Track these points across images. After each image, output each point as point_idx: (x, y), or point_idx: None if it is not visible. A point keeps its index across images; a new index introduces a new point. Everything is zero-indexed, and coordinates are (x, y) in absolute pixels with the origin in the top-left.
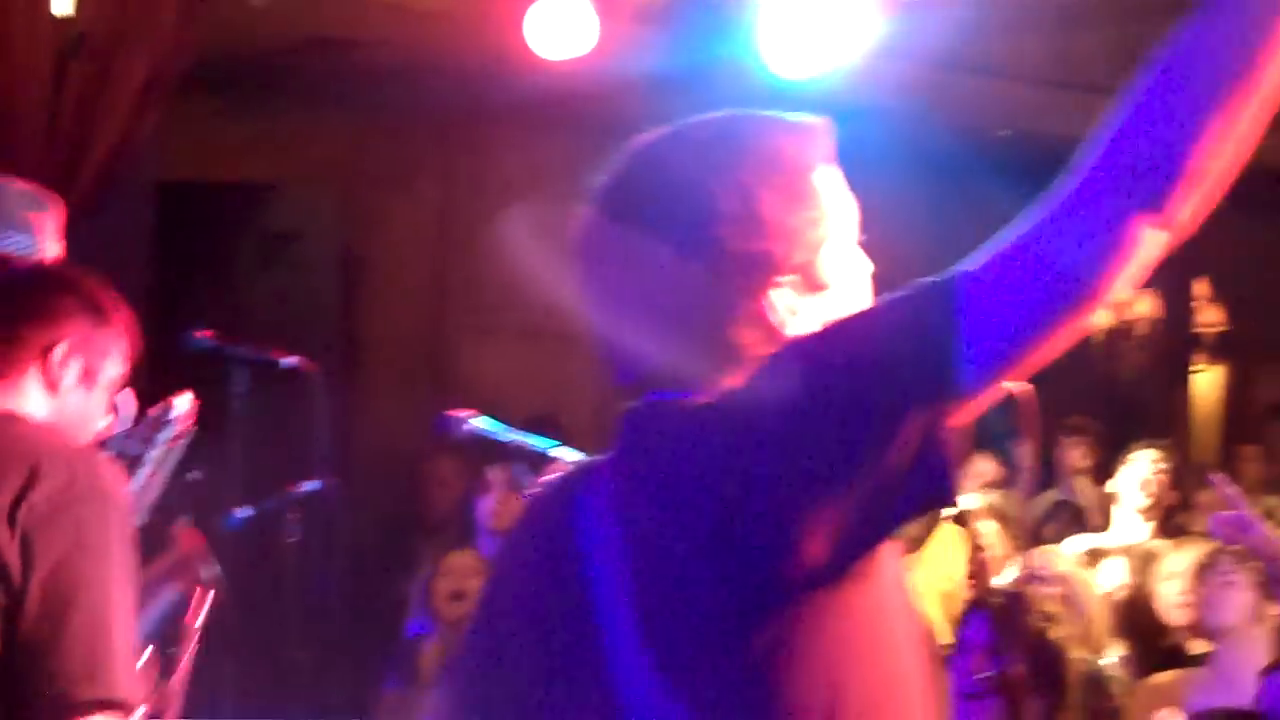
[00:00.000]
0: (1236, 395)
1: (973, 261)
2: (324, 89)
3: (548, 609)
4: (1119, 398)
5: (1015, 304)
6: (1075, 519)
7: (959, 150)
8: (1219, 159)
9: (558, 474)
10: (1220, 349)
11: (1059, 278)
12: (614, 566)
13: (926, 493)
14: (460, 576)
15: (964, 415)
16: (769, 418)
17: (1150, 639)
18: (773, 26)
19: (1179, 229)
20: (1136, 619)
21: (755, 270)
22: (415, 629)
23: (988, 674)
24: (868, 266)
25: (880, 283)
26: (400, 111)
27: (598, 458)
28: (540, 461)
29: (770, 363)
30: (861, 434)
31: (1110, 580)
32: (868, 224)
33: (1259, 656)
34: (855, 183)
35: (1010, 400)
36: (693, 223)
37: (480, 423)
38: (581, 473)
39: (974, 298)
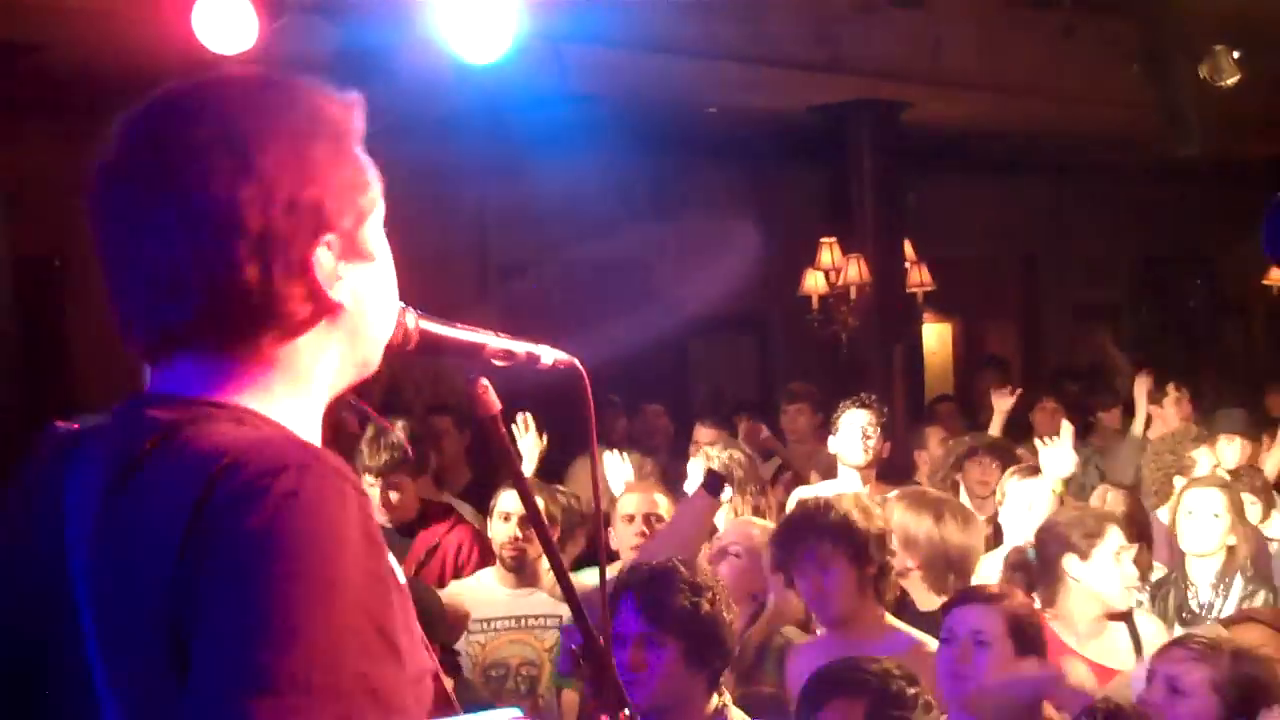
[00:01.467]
0: (964, 348)
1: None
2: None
3: (17, 597)
4: (840, 360)
5: None
6: (796, 481)
7: (670, 128)
8: None
9: (53, 443)
10: (945, 307)
11: None
12: (82, 581)
13: None
14: None
15: None
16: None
17: None
18: (450, 9)
19: None
20: None
21: (305, 219)
22: None
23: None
24: (387, 255)
25: (604, 267)
26: (93, 115)
27: (92, 433)
28: None
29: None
30: None
31: None
32: (589, 206)
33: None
34: (570, 165)
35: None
36: (235, 167)
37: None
38: (73, 454)
39: None
